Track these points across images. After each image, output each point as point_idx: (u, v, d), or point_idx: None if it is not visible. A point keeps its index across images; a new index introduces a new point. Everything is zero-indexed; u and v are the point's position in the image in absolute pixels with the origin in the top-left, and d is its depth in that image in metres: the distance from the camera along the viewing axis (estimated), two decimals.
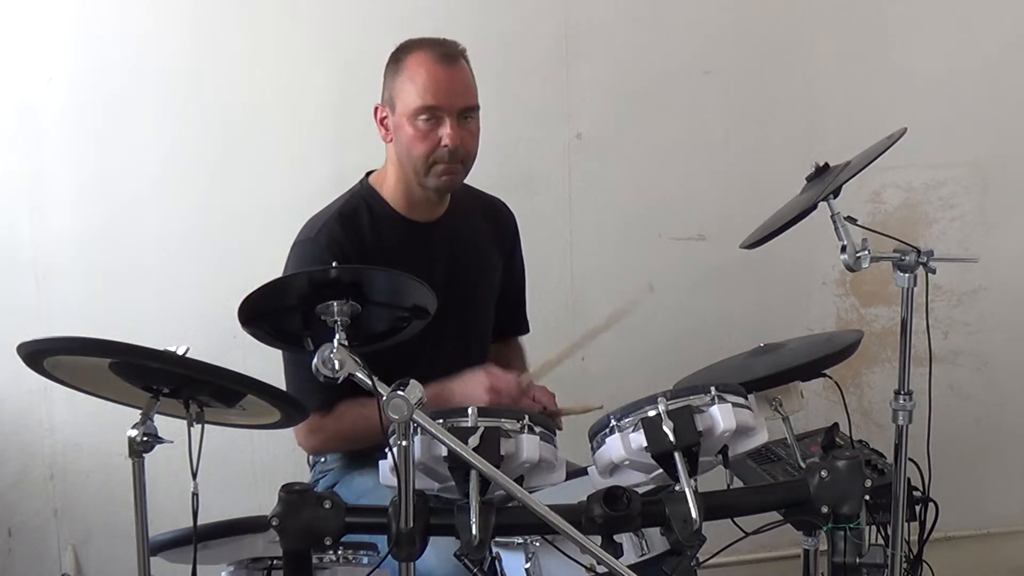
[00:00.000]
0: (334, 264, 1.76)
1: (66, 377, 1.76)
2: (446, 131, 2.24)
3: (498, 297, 2.56)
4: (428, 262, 2.36)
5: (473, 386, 2.24)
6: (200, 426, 1.70)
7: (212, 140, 2.89)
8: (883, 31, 3.22)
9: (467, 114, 2.28)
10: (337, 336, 1.68)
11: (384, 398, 1.61)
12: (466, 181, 2.45)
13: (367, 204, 2.37)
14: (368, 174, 2.43)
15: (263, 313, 1.77)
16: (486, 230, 2.54)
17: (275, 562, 1.85)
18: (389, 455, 1.68)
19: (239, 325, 1.76)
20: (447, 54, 2.28)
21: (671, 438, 1.72)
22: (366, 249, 2.31)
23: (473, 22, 2.91)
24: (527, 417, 1.76)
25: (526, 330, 2.67)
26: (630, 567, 1.69)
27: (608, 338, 3.12)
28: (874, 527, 2.16)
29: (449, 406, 2.17)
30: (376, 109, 2.34)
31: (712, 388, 1.79)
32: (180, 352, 1.64)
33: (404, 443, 1.64)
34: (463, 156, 2.29)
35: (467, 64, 2.31)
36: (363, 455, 2.33)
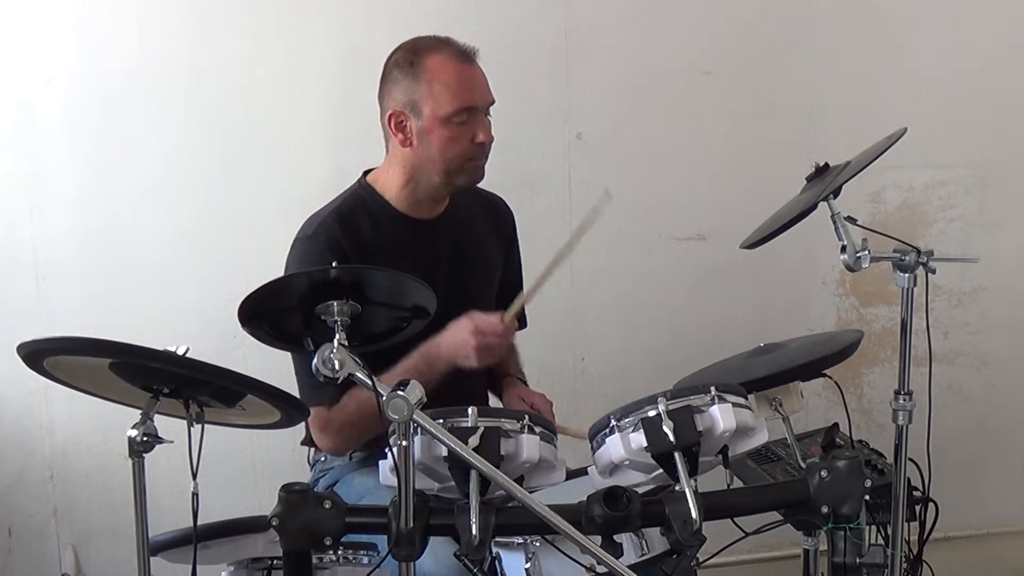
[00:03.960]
0: (334, 264, 1.76)
1: (66, 377, 1.76)
2: (480, 128, 2.28)
3: (498, 291, 2.55)
4: (431, 259, 2.36)
5: (458, 332, 2.22)
6: (200, 426, 1.70)
7: (212, 140, 2.90)
8: (883, 31, 3.22)
9: (489, 108, 2.33)
10: (337, 336, 1.68)
11: (384, 398, 1.62)
12: None
13: (365, 203, 2.37)
14: (366, 173, 2.43)
15: (263, 313, 1.77)
16: (486, 226, 2.54)
17: (275, 562, 1.85)
18: (389, 455, 1.68)
19: (239, 325, 1.76)
20: (464, 52, 2.29)
21: (671, 438, 1.72)
22: (365, 247, 2.31)
23: (473, 22, 2.91)
24: (527, 417, 1.76)
25: (523, 325, 2.67)
26: (630, 567, 1.70)
27: (608, 338, 3.16)
28: (874, 527, 2.16)
29: (439, 359, 2.20)
30: (391, 116, 2.29)
31: (712, 388, 1.79)
32: (180, 352, 1.64)
33: (404, 443, 1.64)
34: (488, 150, 2.33)
35: None
36: (364, 455, 2.34)
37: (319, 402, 2.22)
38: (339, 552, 1.83)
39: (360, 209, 2.36)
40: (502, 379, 2.55)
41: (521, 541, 1.92)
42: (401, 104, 2.28)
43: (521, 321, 2.67)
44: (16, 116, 2.81)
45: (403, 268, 1.88)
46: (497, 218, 2.58)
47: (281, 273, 2.29)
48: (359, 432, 2.30)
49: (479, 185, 2.49)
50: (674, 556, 1.79)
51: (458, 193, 2.43)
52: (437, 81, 2.26)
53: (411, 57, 2.29)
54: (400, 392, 1.62)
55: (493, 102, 2.33)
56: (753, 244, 2.27)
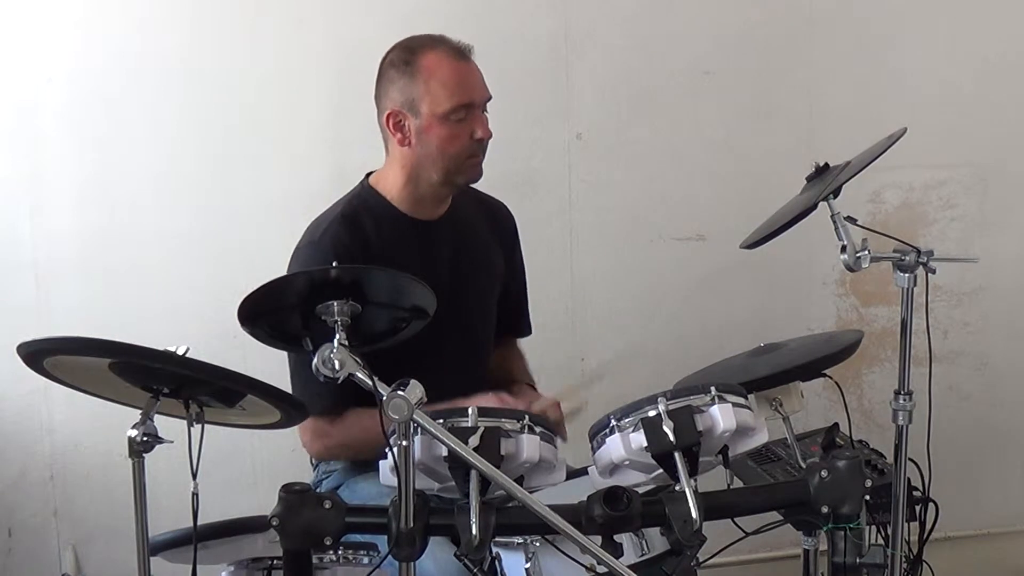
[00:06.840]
0: (334, 264, 1.76)
1: (66, 377, 1.76)
2: (478, 124, 2.29)
3: (501, 297, 2.56)
4: (431, 259, 2.36)
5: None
6: (200, 426, 1.70)
7: (212, 140, 2.90)
8: (883, 31, 3.21)
9: (486, 104, 2.34)
10: (337, 336, 1.68)
11: (384, 398, 1.61)
12: None
13: (368, 205, 2.37)
14: (368, 175, 2.43)
15: (263, 313, 1.77)
16: (487, 228, 2.54)
17: (275, 562, 1.85)
18: (389, 455, 1.68)
19: (239, 325, 1.76)
20: (460, 49, 2.30)
21: (671, 438, 1.72)
22: (370, 249, 2.30)
23: (473, 22, 2.90)
24: (527, 417, 1.76)
25: (528, 331, 2.66)
26: (630, 567, 1.69)
27: (608, 338, 3.16)
28: (874, 527, 2.16)
29: None
30: (389, 116, 2.29)
31: (712, 388, 1.79)
32: (180, 352, 1.64)
33: (404, 443, 1.64)
34: (487, 146, 2.33)
35: None
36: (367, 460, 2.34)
37: (321, 413, 2.22)
38: (339, 552, 1.83)
39: (364, 211, 2.36)
40: (511, 386, 2.51)
41: (521, 541, 1.92)
42: (399, 103, 2.29)
43: (525, 328, 2.65)
44: (16, 116, 2.81)
45: (406, 269, 1.88)
46: (498, 222, 2.57)
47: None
48: (354, 452, 2.32)
49: (481, 189, 2.49)
50: (674, 556, 1.79)
51: (459, 195, 2.43)
52: (434, 79, 2.26)
53: (407, 56, 2.29)
54: (400, 392, 1.62)
55: (490, 98, 2.33)
56: (753, 244, 2.27)
